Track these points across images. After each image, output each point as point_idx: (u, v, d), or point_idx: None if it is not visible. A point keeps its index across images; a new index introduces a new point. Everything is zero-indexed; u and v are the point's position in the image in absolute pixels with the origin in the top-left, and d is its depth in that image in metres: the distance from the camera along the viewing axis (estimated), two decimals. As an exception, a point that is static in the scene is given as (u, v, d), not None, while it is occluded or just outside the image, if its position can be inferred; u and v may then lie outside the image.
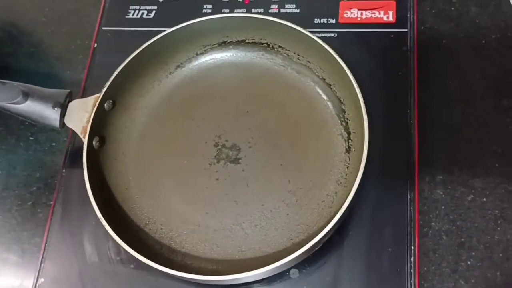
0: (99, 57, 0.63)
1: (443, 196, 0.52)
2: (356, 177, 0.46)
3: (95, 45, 0.63)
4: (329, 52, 0.51)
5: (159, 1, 0.65)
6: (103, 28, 0.64)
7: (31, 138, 0.61)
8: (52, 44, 0.66)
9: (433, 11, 0.60)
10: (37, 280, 0.52)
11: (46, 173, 0.59)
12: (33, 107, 0.51)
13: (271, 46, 0.57)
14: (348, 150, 0.52)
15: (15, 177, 0.59)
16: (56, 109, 0.51)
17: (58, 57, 0.65)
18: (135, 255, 0.45)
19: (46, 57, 0.66)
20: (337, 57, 0.50)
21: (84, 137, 0.51)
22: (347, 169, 0.51)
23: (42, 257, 0.53)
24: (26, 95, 0.51)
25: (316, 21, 0.60)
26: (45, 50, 0.66)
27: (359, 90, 0.49)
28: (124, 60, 0.54)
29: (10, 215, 0.57)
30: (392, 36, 0.58)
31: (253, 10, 0.62)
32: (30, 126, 0.61)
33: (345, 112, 0.53)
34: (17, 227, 0.56)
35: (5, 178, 0.59)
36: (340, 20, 0.60)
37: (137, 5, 0.65)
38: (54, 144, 0.60)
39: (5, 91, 0.51)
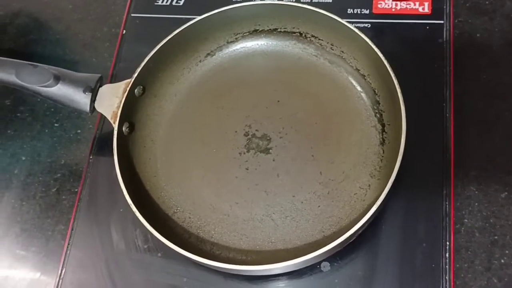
0: (128, 44, 0.62)
1: (476, 192, 0.51)
2: (391, 170, 0.45)
3: (124, 31, 0.63)
4: (366, 42, 0.50)
5: (189, -12, 0.64)
6: (132, 15, 0.64)
7: (56, 124, 0.60)
8: (79, 31, 0.66)
9: (467, 5, 0.59)
10: (62, 268, 0.52)
11: (71, 160, 0.58)
12: (63, 91, 0.51)
13: (303, 35, 0.56)
14: (382, 143, 0.51)
15: (40, 163, 0.58)
16: (87, 93, 0.51)
17: (84, 45, 0.65)
18: (165, 243, 0.44)
19: (73, 44, 0.65)
20: (374, 47, 0.49)
21: (114, 123, 0.50)
22: (381, 161, 0.50)
23: (68, 245, 0.53)
24: (57, 79, 0.50)
25: (349, 11, 0.59)
26: (71, 38, 0.66)
27: (396, 81, 0.48)
28: (152, 48, 0.54)
29: (34, 202, 0.56)
30: (427, 27, 0.57)
31: (284, -1, 0.61)
32: (55, 113, 0.61)
33: (379, 103, 0.52)
34: (41, 214, 0.56)
35: (29, 164, 0.59)
36: (374, 11, 0.59)
37: (166, -7, 0.64)
38: (79, 131, 0.59)
39: (36, 74, 0.50)
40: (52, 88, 0.50)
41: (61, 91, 0.50)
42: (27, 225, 0.55)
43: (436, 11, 0.58)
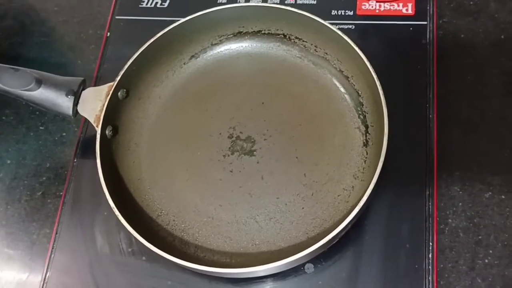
0: (112, 47, 0.62)
1: (460, 192, 0.51)
2: (374, 171, 0.45)
3: (108, 34, 0.63)
4: (349, 44, 0.50)
5: (173, -10, 0.64)
6: (116, 17, 0.63)
7: (41, 128, 0.60)
8: (64, 33, 0.66)
9: (451, 5, 0.59)
10: (46, 272, 0.52)
11: (56, 163, 0.58)
12: (46, 95, 0.50)
13: (287, 37, 0.56)
14: (365, 144, 0.51)
15: (25, 167, 0.58)
16: (69, 97, 0.51)
17: (69, 47, 0.64)
18: (148, 246, 0.44)
19: (58, 46, 0.65)
20: (357, 49, 0.49)
21: (97, 126, 0.50)
22: (365, 163, 0.50)
23: (52, 248, 0.53)
24: (39, 82, 0.50)
25: (333, 12, 0.59)
26: (56, 40, 0.65)
27: (379, 83, 0.48)
28: (137, 50, 0.53)
29: (19, 206, 0.56)
30: (411, 29, 0.57)
31: (269, 0, 0.61)
32: (40, 116, 0.61)
33: (363, 105, 0.52)
34: (26, 218, 0.55)
35: (14, 168, 0.58)
36: (358, 12, 0.59)
37: (151, -6, 0.64)
38: (64, 134, 0.59)
39: (18, 78, 0.50)
40: (34, 92, 0.50)
41: (43, 95, 0.50)
42: (12, 228, 0.55)
43: (420, 12, 0.58)
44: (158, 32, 0.54)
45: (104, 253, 0.51)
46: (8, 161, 0.59)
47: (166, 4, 0.63)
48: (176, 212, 0.51)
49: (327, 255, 0.48)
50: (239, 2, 0.61)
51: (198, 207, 0.51)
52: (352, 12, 0.59)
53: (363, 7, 0.59)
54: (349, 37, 0.51)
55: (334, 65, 0.55)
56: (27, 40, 0.66)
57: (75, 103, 0.51)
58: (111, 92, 0.51)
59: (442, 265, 0.48)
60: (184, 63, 0.58)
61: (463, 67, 0.56)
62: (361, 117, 0.52)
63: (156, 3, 0.63)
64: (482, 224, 0.49)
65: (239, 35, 0.57)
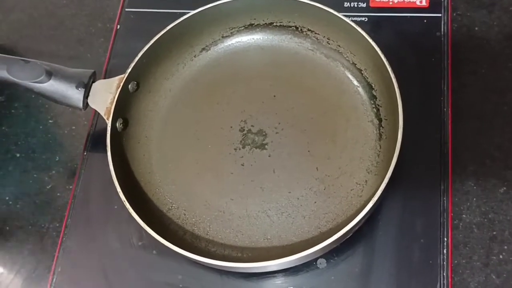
0: (122, 40, 0.61)
1: (475, 187, 0.50)
2: (388, 165, 0.44)
3: (118, 27, 0.62)
4: (363, 36, 0.49)
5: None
6: (126, 9, 0.63)
7: (50, 121, 0.60)
8: (73, 27, 0.65)
9: (466, -2, 0.59)
10: (55, 266, 0.52)
11: (65, 156, 0.58)
12: (56, 87, 0.50)
13: (299, 29, 0.56)
14: (379, 138, 0.51)
15: (34, 160, 0.58)
16: (79, 89, 0.50)
17: (78, 40, 0.64)
18: (159, 240, 0.44)
19: (67, 40, 0.65)
20: (371, 41, 0.49)
21: (107, 119, 0.50)
22: (378, 157, 0.50)
23: (62, 242, 0.52)
24: (50, 74, 0.50)
25: (346, 4, 0.59)
26: (65, 33, 0.65)
27: (393, 76, 0.47)
28: (147, 43, 0.53)
29: (28, 199, 0.56)
30: (425, 21, 0.56)
31: (280, -7, 0.60)
32: (50, 109, 0.60)
33: (376, 98, 0.52)
34: (35, 211, 0.55)
35: (24, 161, 0.58)
36: (371, 4, 0.58)
37: (161, -14, 0.64)
38: (74, 127, 0.59)
39: (28, 70, 0.49)
40: (44, 84, 0.50)
41: (54, 87, 0.50)
42: (21, 222, 0.55)
43: (434, 4, 0.57)
44: (168, 25, 0.54)
45: (115, 247, 0.51)
46: (18, 155, 0.59)
47: (176, -4, 0.63)
48: (187, 206, 0.51)
49: (339, 250, 0.48)
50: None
51: (209, 201, 0.50)
52: (365, 4, 0.58)
53: (376, -1, 0.59)
54: (362, 29, 0.50)
55: (347, 58, 0.54)
56: (36, 33, 0.66)
57: (86, 96, 0.51)
58: (121, 85, 0.51)
59: (456, 261, 0.47)
60: (195, 56, 0.57)
61: (478, 60, 0.55)
62: (375, 110, 0.52)
63: (167, -5, 0.63)
64: (497, 219, 0.49)
65: (250, 27, 0.57)
